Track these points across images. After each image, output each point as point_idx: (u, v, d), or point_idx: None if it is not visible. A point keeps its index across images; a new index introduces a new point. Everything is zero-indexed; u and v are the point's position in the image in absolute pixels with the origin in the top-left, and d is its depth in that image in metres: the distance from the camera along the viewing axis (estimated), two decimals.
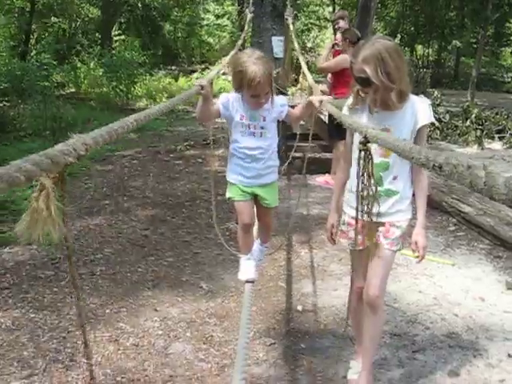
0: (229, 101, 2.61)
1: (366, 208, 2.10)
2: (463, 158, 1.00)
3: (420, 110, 2.42)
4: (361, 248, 2.57)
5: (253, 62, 2.41)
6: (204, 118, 2.70)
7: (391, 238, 2.51)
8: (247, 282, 2.76)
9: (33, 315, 3.49)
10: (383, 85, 2.26)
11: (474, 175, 0.94)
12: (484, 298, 3.79)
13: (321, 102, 2.57)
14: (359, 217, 2.19)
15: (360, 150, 1.85)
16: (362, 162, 1.91)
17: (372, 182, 1.96)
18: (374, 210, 2.18)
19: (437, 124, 9.57)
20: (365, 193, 2.02)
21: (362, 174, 1.94)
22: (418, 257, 2.55)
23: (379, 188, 2.43)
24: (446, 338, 3.30)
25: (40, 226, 1.09)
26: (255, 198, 2.72)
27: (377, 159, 2.40)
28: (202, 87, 2.44)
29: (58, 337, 3.25)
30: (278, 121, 2.71)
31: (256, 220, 2.86)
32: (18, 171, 0.97)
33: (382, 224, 2.51)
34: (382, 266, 2.54)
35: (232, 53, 5.05)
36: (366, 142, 1.77)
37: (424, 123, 2.43)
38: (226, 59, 4.94)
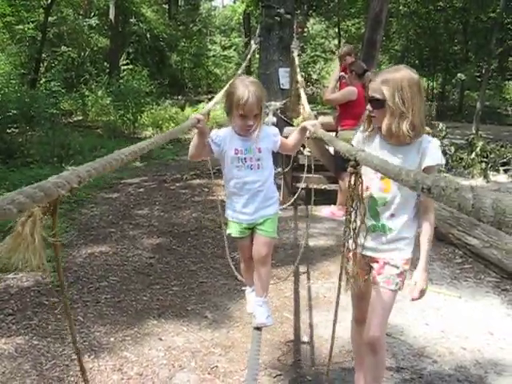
0: (220, 137, 2.58)
1: (353, 235, 2.07)
2: (451, 181, 1.01)
3: (427, 150, 2.33)
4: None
5: (244, 85, 2.44)
6: (196, 154, 2.60)
7: (386, 276, 2.43)
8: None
9: (36, 342, 3.46)
10: (398, 110, 2.24)
11: (461, 197, 0.95)
12: (492, 332, 3.74)
13: (314, 125, 2.59)
14: (350, 247, 2.18)
15: (350, 174, 1.84)
16: (351, 185, 1.88)
17: (361, 207, 1.92)
18: (361, 239, 2.16)
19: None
20: (352, 216, 1.97)
21: (352, 199, 1.90)
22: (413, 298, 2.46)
23: (375, 222, 2.43)
24: (455, 372, 3.24)
25: (22, 251, 1.08)
26: (253, 229, 2.69)
27: (375, 193, 2.40)
28: (199, 121, 2.43)
29: (61, 365, 3.21)
30: (273, 152, 2.68)
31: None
32: (10, 203, 0.96)
33: (376, 260, 2.48)
34: (381, 306, 2.47)
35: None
36: (356, 165, 1.77)
37: (429, 164, 2.32)
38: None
